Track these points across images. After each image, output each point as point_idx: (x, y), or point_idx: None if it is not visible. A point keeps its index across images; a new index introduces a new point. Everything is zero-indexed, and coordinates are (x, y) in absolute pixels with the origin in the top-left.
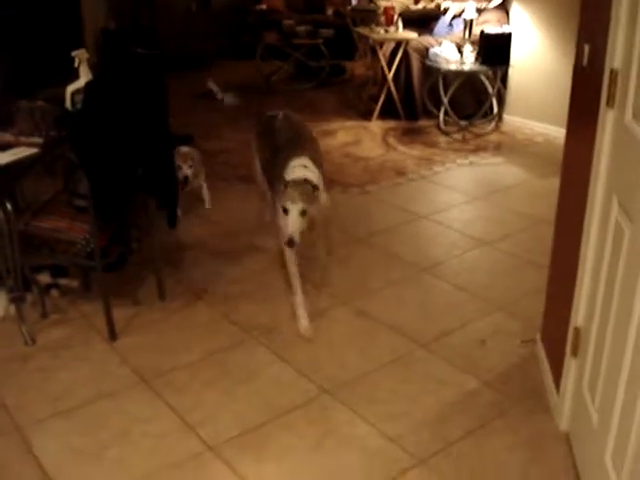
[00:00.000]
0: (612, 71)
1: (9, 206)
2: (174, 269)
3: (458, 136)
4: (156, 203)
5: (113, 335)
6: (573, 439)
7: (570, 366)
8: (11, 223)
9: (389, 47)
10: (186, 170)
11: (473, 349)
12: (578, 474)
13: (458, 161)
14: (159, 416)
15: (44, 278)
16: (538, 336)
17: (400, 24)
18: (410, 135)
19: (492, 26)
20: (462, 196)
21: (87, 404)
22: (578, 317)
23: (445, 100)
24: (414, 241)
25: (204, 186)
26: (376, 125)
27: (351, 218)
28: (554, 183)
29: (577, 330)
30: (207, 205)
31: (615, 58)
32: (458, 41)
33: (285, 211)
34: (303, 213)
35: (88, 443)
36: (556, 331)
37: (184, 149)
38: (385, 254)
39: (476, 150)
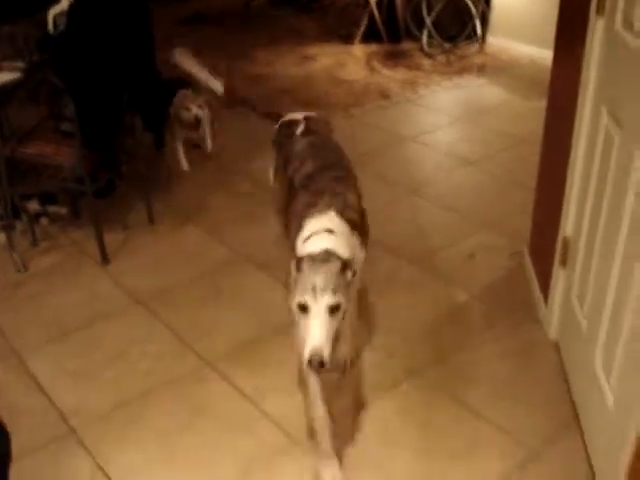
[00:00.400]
0: None
1: None
2: (163, 194)
3: (442, 58)
4: (143, 125)
5: (105, 259)
6: (562, 347)
7: (559, 276)
8: None
9: None
10: (196, 110)
11: (462, 265)
12: (567, 380)
13: (442, 83)
14: (154, 336)
15: (33, 206)
16: (525, 249)
17: None
18: (393, 58)
19: None
20: (447, 118)
21: (82, 327)
22: (567, 227)
23: (428, 22)
24: (400, 163)
25: (207, 130)
26: (359, 49)
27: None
28: (538, 104)
29: (566, 240)
30: (208, 149)
31: None
32: None
33: (303, 309)
34: (333, 310)
35: (84, 365)
36: (544, 243)
37: (187, 92)
38: (372, 176)
39: (460, 72)
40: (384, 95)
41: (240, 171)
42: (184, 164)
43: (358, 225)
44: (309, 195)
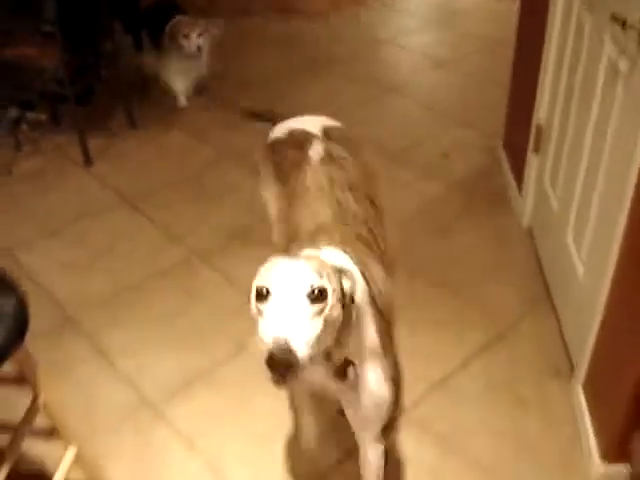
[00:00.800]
0: None
1: None
2: (145, 100)
3: None
4: (122, 28)
5: (88, 162)
6: (535, 232)
7: (532, 163)
8: None
9: None
10: (196, 40)
11: (438, 160)
12: (540, 262)
13: None
14: (143, 231)
15: (12, 113)
16: (500, 144)
17: None
18: None
19: None
20: (422, 21)
21: (70, 224)
22: (540, 115)
23: None
24: (377, 65)
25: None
26: None
27: (311, 46)
28: (512, 5)
29: (539, 127)
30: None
31: None
32: None
33: (262, 297)
34: (316, 297)
35: (76, 258)
36: (518, 136)
37: (184, 18)
38: (348, 78)
39: None
40: (359, 2)
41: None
42: (182, 100)
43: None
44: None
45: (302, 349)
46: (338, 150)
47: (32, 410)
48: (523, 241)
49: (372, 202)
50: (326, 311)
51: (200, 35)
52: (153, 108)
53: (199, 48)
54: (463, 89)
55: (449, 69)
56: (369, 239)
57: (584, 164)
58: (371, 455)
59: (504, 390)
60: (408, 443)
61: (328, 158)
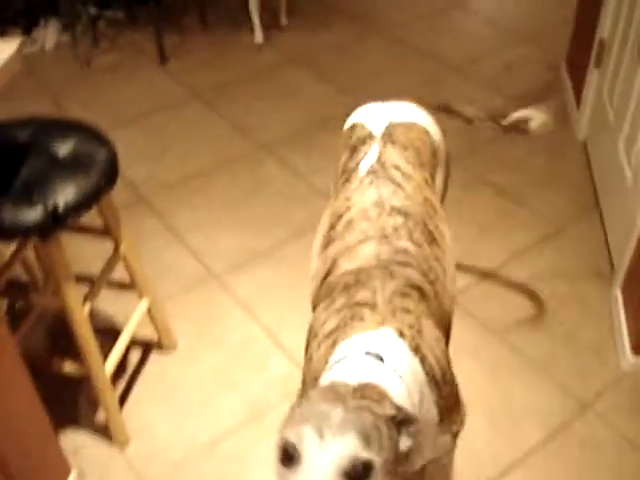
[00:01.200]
0: None
1: None
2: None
3: None
4: None
5: (163, 59)
6: (589, 144)
7: (593, 77)
8: None
9: None
10: None
11: (499, 74)
12: (592, 173)
13: None
14: (213, 123)
15: (91, 10)
16: (562, 61)
17: None
18: None
19: None
20: None
21: (146, 115)
22: (604, 29)
23: None
24: None
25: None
26: None
27: None
28: None
29: (602, 41)
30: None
31: None
32: None
33: (288, 460)
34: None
35: (150, 145)
36: (580, 51)
37: None
38: None
39: None
40: None
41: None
42: (258, 35)
43: (439, 383)
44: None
45: None
46: (396, 158)
47: (114, 257)
48: (578, 153)
49: (431, 235)
50: None
51: None
52: (224, 9)
53: None
54: (528, 7)
55: None
56: (423, 288)
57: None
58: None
59: (545, 282)
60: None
61: (380, 170)
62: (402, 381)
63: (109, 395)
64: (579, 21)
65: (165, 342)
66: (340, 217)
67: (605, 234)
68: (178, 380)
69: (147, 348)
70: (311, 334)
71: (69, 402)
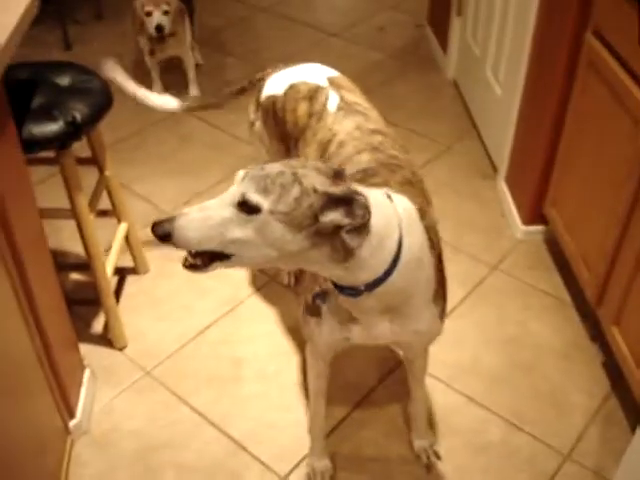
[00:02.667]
0: None
1: None
2: None
3: None
4: None
5: (68, 46)
6: (459, 80)
7: (456, 25)
8: None
9: None
10: (158, 17)
11: (376, 34)
12: (465, 103)
13: None
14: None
15: None
16: (425, 20)
17: None
18: None
19: None
20: None
21: None
22: None
23: None
24: None
25: (189, 59)
26: None
27: None
28: None
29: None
30: (192, 93)
31: None
32: None
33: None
34: (248, 208)
35: None
36: (440, 7)
37: None
38: None
39: None
40: None
41: None
42: (156, 88)
43: (438, 254)
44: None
45: (186, 236)
46: (353, 98)
47: (102, 180)
48: (450, 90)
49: (404, 148)
50: (253, 224)
51: (166, 14)
52: (115, 1)
53: (159, 27)
54: None
55: None
56: (414, 182)
57: (498, 12)
58: (420, 360)
59: (446, 187)
60: None
61: (347, 106)
62: (400, 216)
63: (111, 299)
64: None
65: (139, 266)
66: (329, 142)
67: (485, 146)
68: (157, 295)
69: (122, 273)
70: None
71: None
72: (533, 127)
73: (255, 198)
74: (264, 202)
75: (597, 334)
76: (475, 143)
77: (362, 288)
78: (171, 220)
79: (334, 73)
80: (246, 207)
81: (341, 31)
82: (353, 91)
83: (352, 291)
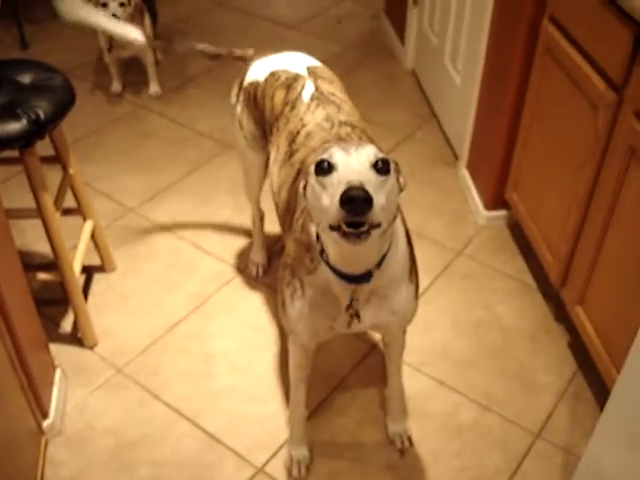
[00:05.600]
0: None
1: None
2: None
3: None
4: None
5: (25, 44)
6: (418, 70)
7: (412, 15)
8: None
9: None
10: (116, 9)
11: (333, 26)
12: (424, 91)
13: None
14: (88, 92)
15: None
16: (382, 12)
17: None
18: None
19: None
20: None
21: None
22: None
23: None
24: None
25: (149, 58)
26: None
27: None
28: None
29: None
30: (152, 90)
31: None
32: None
33: (323, 171)
34: (380, 169)
35: None
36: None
37: None
38: None
39: None
40: None
41: None
42: (116, 86)
43: (407, 232)
44: None
45: (378, 200)
46: (329, 88)
47: (66, 179)
48: (408, 79)
49: (372, 141)
50: (388, 185)
51: (123, 5)
52: None
53: (114, 16)
54: None
55: None
56: None
57: (455, 1)
58: (397, 342)
59: (408, 175)
60: None
61: (321, 97)
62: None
63: (79, 298)
64: None
65: (106, 264)
66: (298, 132)
67: (444, 133)
68: (125, 292)
69: (90, 271)
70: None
71: None
72: (493, 114)
73: (385, 156)
74: (390, 160)
75: (562, 315)
76: (435, 131)
77: (373, 269)
78: (362, 187)
79: (316, 63)
80: (382, 167)
81: (298, 24)
82: (331, 82)
83: (366, 276)
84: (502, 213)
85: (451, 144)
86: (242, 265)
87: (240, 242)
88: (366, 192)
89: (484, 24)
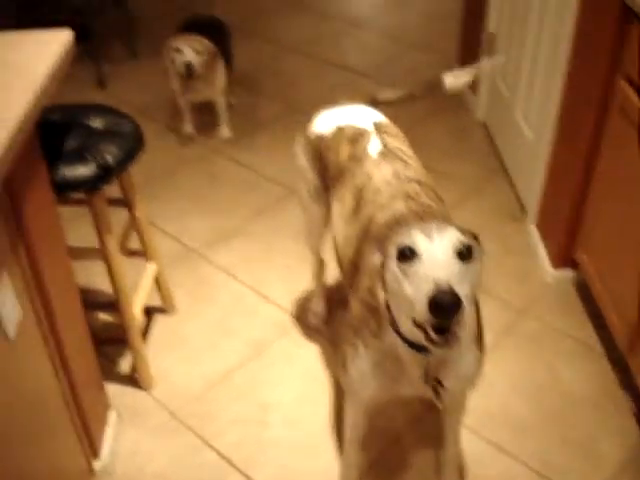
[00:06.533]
0: None
1: None
2: (142, 33)
3: None
4: None
5: (102, 84)
6: (489, 122)
7: (487, 63)
8: None
9: None
10: (189, 55)
11: (405, 75)
12: (494, 144)
13: None
14: (164, 133)
15: None
16: (454, 61)
17: None
18: None
19: None
20: None
21: None
22: (491, 24)
23: None
24: (339, 3)
25: (221, 103)
26: None
27: None
28: None
29: (491, 34)
30: (223, 134)
31: None
32: None
33: (404, 258)
34: (463, 254)
35: None
36: (470, 47)
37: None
38: (319, 16)
39: None
40: None
41: None
42: (187, 127)
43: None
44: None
45: (464, 293)
46: (396, 144)
47: (132, 221)
48: (479, 131)
49: (440, 198)
50: (472, 271)
51: (199, 54)
52: (150, 39)
53: (189, 66)
54: (420, 22)
55: (405, 6)
56: None
57: (529, 54)
58: (458, 406)
59: (474, 229)
60: None
61: (388, 152)
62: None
63: (138, 341)
64: (467, 23)
65: (167, 305)
66: (365, 188)
67: (514, 188)
68: (184, 335)
69: (150, 312)
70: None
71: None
72: (564, 171)
73: (468, 240)
74: (472, 244)
75: (628, 383)
76: (504, 185)
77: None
78: (451, 290)
79: (381, 118)
80: (466, 254)
81: (371, 71)
82: (397, 137)
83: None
84: (570, 272)
85: (520, 199)
86: (302, 314)
87: (301, 290)
88: (455, 295)
89: (557, 79)
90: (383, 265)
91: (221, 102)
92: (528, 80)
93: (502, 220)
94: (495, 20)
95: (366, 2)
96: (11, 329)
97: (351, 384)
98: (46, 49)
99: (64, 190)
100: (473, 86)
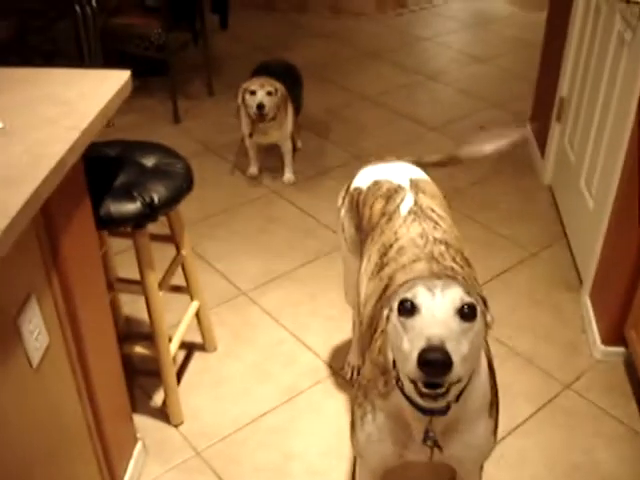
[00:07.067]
0: None
1: (94, 3)
2: (220, 72)
3: None
4: (211, 6)
5: (177, 119)
6: (554, 186)
7: (555, 130)
8: (95, 19)
9: None
10: (262, 96)
11: (474, 132)
12: (558, 209)
13: None
14: (225, 172)
15: None
16: (528, 124)
17: None
18: None
19: None
20: (459, 24)
21: None
22: (563, 89)
23: None
24: (418, 57)
25: (287, 147)
26: None
27: (358, 40)
28: (542, 15)
29: (562, 99)
30: (286, 178)
31: None
32: None
33: (406, 312)
34: (466, 314)
35: None
36: (542, 110)
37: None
38: (393, 67)
39: None
40: (402, 4)
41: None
42: (253, 169)
43: (492, 370)
44: None
45: (456, 353)
46: (429, 203)
47: (177, 259)
48: (544, 194)
49: (467, 261)
50: (473, 331)
51: (270, 95)
52: (227, 78)
53: (260, 106)
54: (495, 81)
55: (484, 64)
56: None
57: (595, 123)
58: (472, 478)
59: (526, 295)
60: None
61: (419, 211)
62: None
63: (171, 376)
64: (541, 85)
65: (207, 343)
66: (391, 246)
67: (572, 255)
68: (220, 375)
69: (190, 348)
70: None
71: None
72: (621, 245)
73: (473, 300)
74: (477, 304)
75: None
76: (563, 252)
77: (451, 399)
78: (442, 348)
79: (421, 175)
80: (468, 313)
81: (439, 126)
82: (433, 196)
83: (443, 408)
84: (620, 350)
85: (577, 269)
86: (338, 365)
87: (341, 341)
88: (445, 353)
89: (621, 150)
90: (388, 318)
91: (287, 146)
92: (594, 148)
93: (557, 288)
94: (567, 85)
95: (446, 56)
96: (35, 355)
97: (359, 447)
98: (101, 88)
99: (108, 224)
100: (542, 148)
